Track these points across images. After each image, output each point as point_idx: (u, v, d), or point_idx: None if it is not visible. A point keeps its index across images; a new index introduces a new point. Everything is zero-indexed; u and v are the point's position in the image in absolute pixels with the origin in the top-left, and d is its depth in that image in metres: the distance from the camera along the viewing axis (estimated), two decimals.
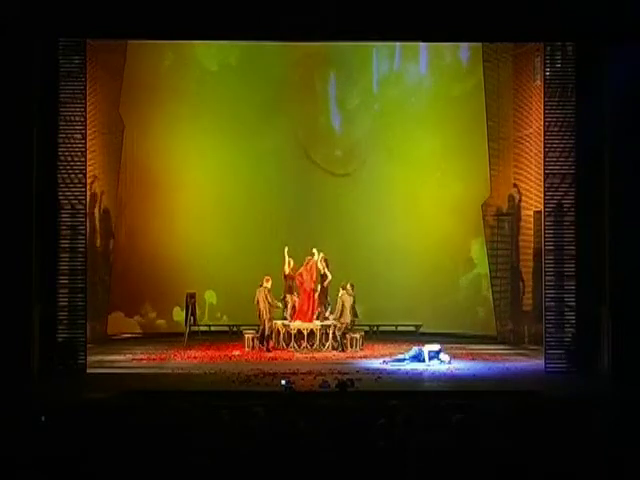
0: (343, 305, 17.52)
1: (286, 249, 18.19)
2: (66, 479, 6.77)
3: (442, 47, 20.30)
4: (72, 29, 14.20)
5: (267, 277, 17.80)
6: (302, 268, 17.99)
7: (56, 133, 14.55)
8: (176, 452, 6.97)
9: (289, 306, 18.08)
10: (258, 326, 17.79)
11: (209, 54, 20.71)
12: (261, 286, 17.69)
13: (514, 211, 19.04)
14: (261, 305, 17.60)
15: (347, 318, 17.56)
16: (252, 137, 20.89)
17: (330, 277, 17.98)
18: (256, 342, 17.63)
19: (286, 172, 20.98)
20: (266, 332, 17.54)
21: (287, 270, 18.16)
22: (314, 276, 17.93)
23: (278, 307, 18.00)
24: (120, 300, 19.69)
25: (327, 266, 17.96)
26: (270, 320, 17.62)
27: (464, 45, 19.90)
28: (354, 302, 17.66)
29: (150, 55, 20.13)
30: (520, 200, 18.67)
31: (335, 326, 17.60)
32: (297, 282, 18.02)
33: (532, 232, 18.05)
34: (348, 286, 17.58)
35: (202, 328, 18.75)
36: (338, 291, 17.64)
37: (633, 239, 14.11)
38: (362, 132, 21.39)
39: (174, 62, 20.70)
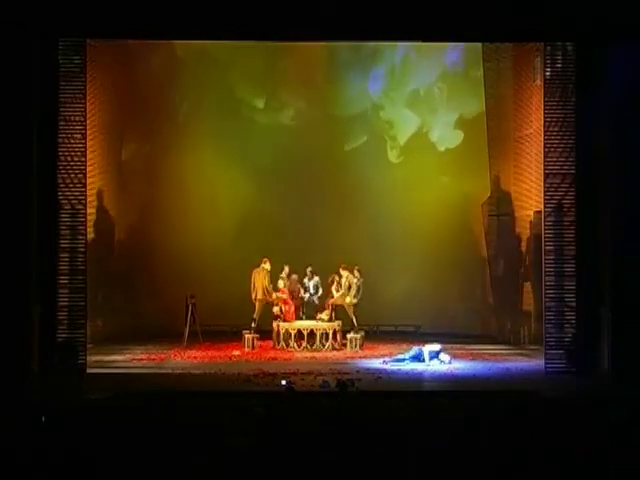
0: (350, 286, 17.70)
1: (285, 270, 18.25)
2: (66, 479, 6.77)
3: (442, 47, 20.25)
4: (72, 29, 14.21)
5: (265, 259, 17.94)
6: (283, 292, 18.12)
7: (56, 133, 14.53)
8: (176, 452, 6.97)
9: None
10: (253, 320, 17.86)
11: (204, 50, 20.66)
12: (259, 267, 17.86)
13: (514, 211, 19.04)
14: (257, 285, 17.74)
15: (354, 298, 17.71)
16: (252, 134, 20.90)
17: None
18: (256, 342, 17.67)
19: (287, 172, 20.95)
20: (255, 315, 17.64)
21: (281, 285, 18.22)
22: (296, 290, 18.23)
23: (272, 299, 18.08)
24: (120, 300, 19.65)
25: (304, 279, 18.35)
26: (263, 302, 17.73)
27: (463, 45, 19.87)
28: (360, 287, 17.81)
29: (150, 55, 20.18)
30: (520, 200, 18.65)
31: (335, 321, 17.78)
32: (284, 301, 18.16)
33: (532, 232, 18.03)
34: (355, 272, 17.82)
35: (202, 328, 18.70)
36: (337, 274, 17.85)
37: (633, 239, 14.11)
38: (363, 133, 21.39)
39: (173, 60, 20.70)
